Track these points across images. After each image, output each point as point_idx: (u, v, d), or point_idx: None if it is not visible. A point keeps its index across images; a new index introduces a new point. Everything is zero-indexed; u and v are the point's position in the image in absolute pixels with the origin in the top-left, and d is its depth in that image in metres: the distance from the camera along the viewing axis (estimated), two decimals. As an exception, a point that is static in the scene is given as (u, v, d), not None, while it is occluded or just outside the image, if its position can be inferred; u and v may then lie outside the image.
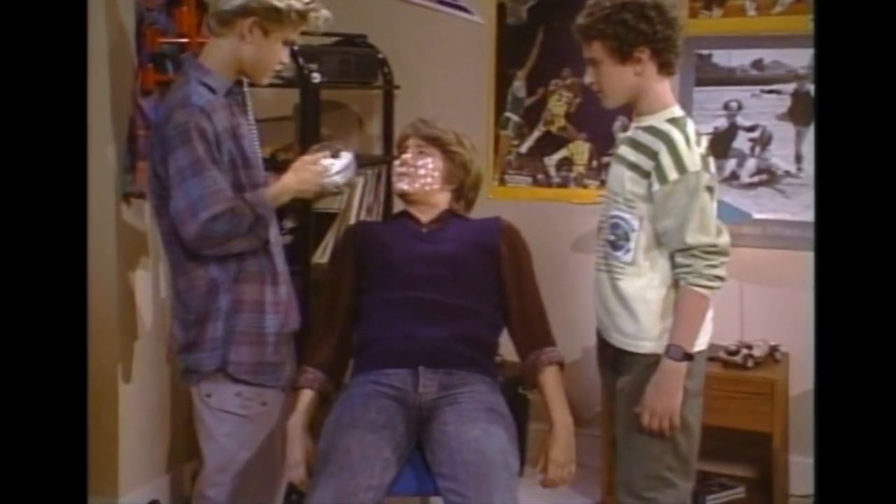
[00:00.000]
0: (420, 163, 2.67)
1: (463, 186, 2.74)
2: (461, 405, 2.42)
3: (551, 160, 3.89)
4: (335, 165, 2.47)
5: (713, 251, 2.27)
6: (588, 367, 3.11)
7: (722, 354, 3.34)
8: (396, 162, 2.75)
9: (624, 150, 2.39)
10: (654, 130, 2.33)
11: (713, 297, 2.32)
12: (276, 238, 2.55)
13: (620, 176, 2.37)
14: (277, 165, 3.06)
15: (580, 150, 3.84)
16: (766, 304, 3.54)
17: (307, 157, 2.52)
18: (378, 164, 3.82)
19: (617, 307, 2.38)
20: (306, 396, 2.55)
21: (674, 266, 2.32)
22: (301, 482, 2.44)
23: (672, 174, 2.27)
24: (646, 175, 2.30)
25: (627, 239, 2.35)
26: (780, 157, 3.54)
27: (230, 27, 2.39)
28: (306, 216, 3.44)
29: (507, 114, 3.93)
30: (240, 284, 2.43)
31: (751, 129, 3.57)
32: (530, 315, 2.63)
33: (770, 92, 3.53)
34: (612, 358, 2.45)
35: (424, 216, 2.70)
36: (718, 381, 3.16)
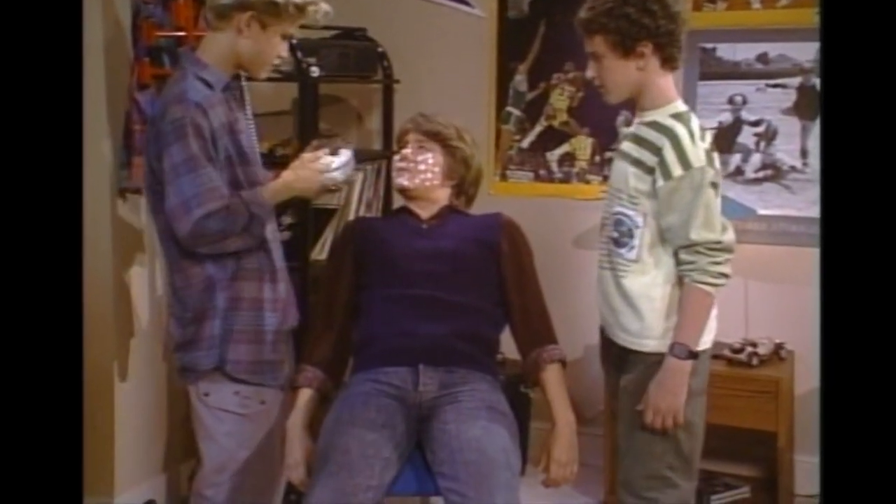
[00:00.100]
0: (420, 158, 2.65)
1: (463, 182, 2.72)
2: (462, 404, 2.41)
3: (553, 155, 3.87)
4: (334, 162, 2.46)
5: (718, 248, 2.25)
6: (591, 364, 3.09)
7: (726, 352, 3.32)
8: (396, 157, 2.72)
9: (627, 146, 2.37)
10: (657, 126, 2.30)
11: (718, 295, 2.30)
12: (275, 235, 2.54)
13: (624, 172, 2.34)
14: (276, 160, 3.04)
15: (582, 145, 3.82)
16: (772, 302, 3.52)
17: (307, 155, 2.50)
18: (377, 159, 3.80)
19: (621, 305, 2.36)
20: (305, 395, 2.53)
21: (678, 263, 2.30)
22: (300, 482, 2.42)
23: (676, 170, 2.24)
24: (649, 171, 2.28)
25: (631, 236, 2.33)
26: (786, 152, 3.51)
27: (228, 21, 2.38)
28: (305, 212, 3.43)
29: (509, 108, 3.90)
30: (238, 282, 2.42)
31: (756, 123, 3.55)
32: (532, 312, 2.61)
33: (775, 86, 3.50)
34: (616, 356, 2.43)
35: (424, 212, 2.68)
36: (723, 379, 3.14)
